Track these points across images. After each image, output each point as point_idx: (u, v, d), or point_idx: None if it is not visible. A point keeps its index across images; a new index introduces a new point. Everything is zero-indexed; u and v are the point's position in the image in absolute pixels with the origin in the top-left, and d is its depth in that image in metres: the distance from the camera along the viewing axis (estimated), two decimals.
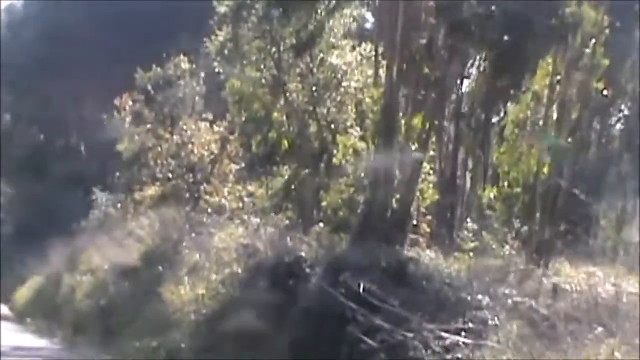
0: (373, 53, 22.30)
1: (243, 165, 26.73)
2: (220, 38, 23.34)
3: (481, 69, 25.31)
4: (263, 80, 22.55)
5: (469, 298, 11.91)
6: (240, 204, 24.38)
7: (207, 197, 25.50)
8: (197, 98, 29.20)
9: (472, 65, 25.22)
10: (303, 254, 14.82)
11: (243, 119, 23.49)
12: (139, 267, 20.14)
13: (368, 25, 27.80)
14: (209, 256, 16.99)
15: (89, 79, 44.70)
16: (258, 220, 18.37)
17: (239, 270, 15.72)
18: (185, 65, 29.74)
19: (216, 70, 23.77)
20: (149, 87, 28.55)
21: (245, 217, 19.50)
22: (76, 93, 49.65)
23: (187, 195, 26.07)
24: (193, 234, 19.04)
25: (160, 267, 18.85)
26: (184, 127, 26.71)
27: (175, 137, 27.04)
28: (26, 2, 61.53)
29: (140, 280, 19.43)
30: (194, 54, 31.53)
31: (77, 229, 28.83)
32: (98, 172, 40.09)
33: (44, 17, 52.47)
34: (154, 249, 20.28)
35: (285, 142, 22.14)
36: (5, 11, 68.30)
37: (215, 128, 26.82)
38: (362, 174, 20.69)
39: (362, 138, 21.88)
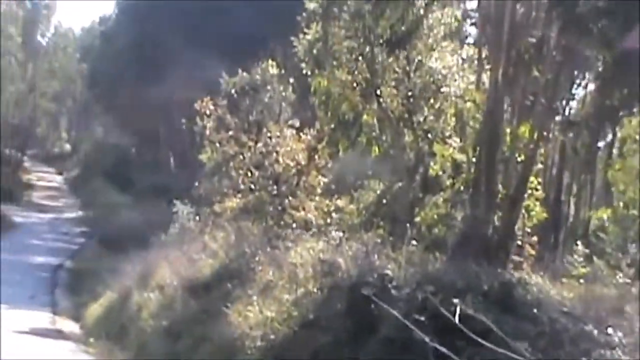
0: (475, 56, 20.27)
1: (331, 177, 24.88)
2: (309, 37, 21.53)
3: (598, 71, 22.80)
4: (354, 84, 20.58)
5: (594, 332, 9.44)
6: (328, 220, 22.40)
7: (293, 211, 23.59)
8: (284, 104, 27.32)
9: (587, 68, 22.79)
10: (389, 272, 12.54)
11: (332, 125, 21.63)
12: (210, 285, 18.16)
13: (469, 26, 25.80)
14: (283, 273, 14.89)
15: (179, 88, 43.56)
16: (341, 234, 16.18)
17: (315, 290, 13.56)
18: (273, 70, 27.91)
19: (304, 72, 21.87)
20: (233, 93, 26.77)
21: (331, 230, 17.42)
22: (165, 103, 48.58)
23: (270, 208, 24.07)
24: (268, 249, 16.95)
25: (229, 285, 16.81)
26: (269, 135, 24.72)
27: (259, 145, 25.09)
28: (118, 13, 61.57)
29: (209, 299, 17.45)
30: (283, 59, 29.95)
31: (156, 242, 27.12)
32: (187, 184, 38.72)
33: (134, 28, 51.70)
34: (227, 265, 18.30)
35: (376, 149, 20.01)
36: (99, 23, 68.73)
37: (303, 136, 24.79)
38: (461, 188, 18.85)
39: (462, 149, 19.85)
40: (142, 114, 56.07)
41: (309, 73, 21.58)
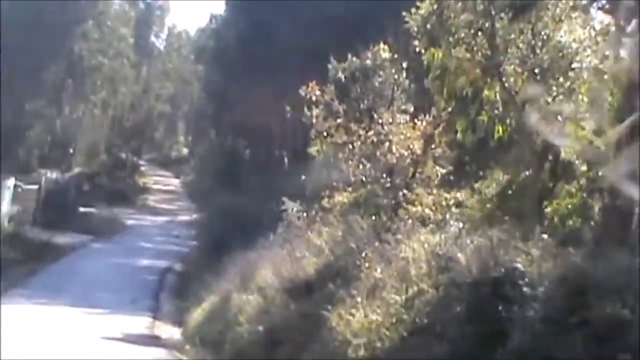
0: (612, 26, 17.67)
1: (450, 168, 22.54)
2: (422, 12, 19.26)
3: None
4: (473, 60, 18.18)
5: None
6: (448, 215, 20.11)
7: (408, 206, 21.33)
8: (396, 90, 25.10)
9: None
10: (520, 266, 10.22)
11: (449, 107, 19.39)
12: (312, 285, 16.14)
13: None
14: (392, 270, 12.72)
15: (291, 82, 41.99)
16: (460, 225, 13.91)
17: (429, 289, 11.34)
18: (385, 54, 25.74)
19: (417, 50, 19.64)
20: (342, 78, 24.70)
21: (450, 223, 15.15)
22: (278, 99, 46.99)
23: (383, 202, 21.87)
24: (377, 243, 14.78)
25: (333, 286, 14.73)
26: (381, 121, 22.55)
27: (370, 134, 22.91)
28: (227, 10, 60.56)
29: (310, 301, 15.43)
30: (395, 42, 27.83)
31: (263, 243, 25.27)
32: (300, 182, 36.97)
33: (242, 23, 50.38)
34: (331, 263, 16.24)
35: (499, 129, 17.56)
36: (210, 21, 67.96)
37: (418, 124, 22.50)
38: (598, 174, 16.33)
39: (597, 131, 17.27)
40: (254, 113, 54.90)
41: (423, 51, 19.33)
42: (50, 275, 31.21)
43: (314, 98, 23.32)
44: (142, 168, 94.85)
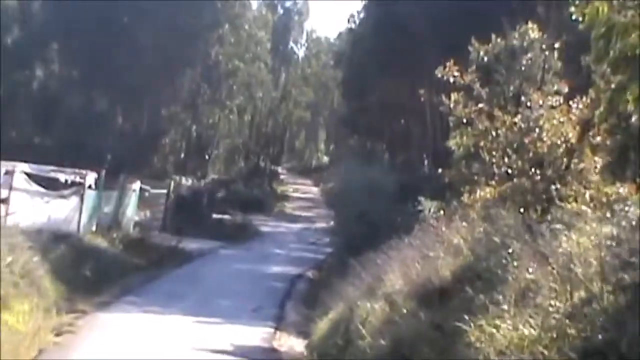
0: None
1: (611, 158, 19.22)
2: None
3: None
4: None
5: None
6: (608, 214, 16.89)
7: (561, 202, 18.15)
8: (547, 73, 22.00)
9: None
10: None
11: (612, 85, 16.18)
12: (447, 291, 13.27)
13: None
14: (549, 269, 9.73)
15: (429, 81, 39.26)
16: (638, 211, 10.77)
17: (605, 293, 8.34)
18: (534, 33, 22.68)
19: (573, 17, 16.54)
20: (484, 60, 21.77)
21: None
22: (416, 100, 44.36)
23: (532, 198, 18.73)
24: (527, 237, 11.77)
25: (471, 291, 11.81)
26: (529, 105, 19.49)
27: (517, 120, 19.83)
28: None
29: (445, 309, 12.56)
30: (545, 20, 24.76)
31: (394, 245, 22.44)
32: (440, 181, 34.16)
33: (380, 24, 47.80)
34: (471, 265, 13.32)
35: None
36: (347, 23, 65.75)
37: (573, 107, 19.32)
38: None
39: None
40: (393, 114, 52.67)
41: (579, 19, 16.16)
42: (169, 281, 29.30)
43: (451, 80, 20.41)
44: (282, 176, 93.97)
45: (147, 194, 41.88)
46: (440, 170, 23.22)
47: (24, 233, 24.16)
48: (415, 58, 40.78)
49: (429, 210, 25.34)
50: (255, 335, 21.61)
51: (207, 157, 69.09)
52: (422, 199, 27.37)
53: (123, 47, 62.01)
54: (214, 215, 52.15)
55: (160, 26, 62.73)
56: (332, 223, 56.96)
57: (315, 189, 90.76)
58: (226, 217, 53.65)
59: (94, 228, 32.87)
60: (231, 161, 76.81)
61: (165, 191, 45.43)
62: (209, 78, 66.93)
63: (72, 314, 20.42)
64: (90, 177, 32.59)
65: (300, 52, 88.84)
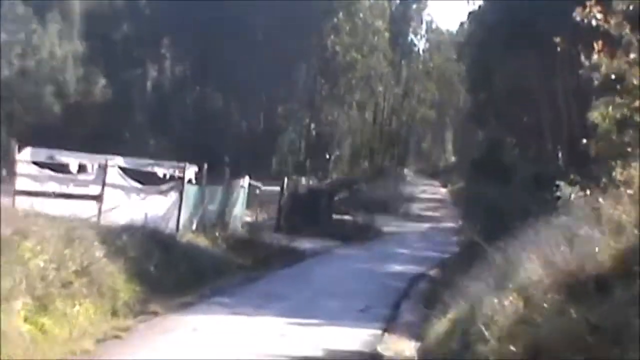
0: None
1: None
2: None
3: None
4: None
5: None
6: None
7: None
8: None
9: None
10: None
11: None
12: (606, 280, 9.72)
13: None
14: None
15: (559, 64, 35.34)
16: None
17: None
18: None
19: None
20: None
21: None
22: (550, 88, 40.54)
23: None
24: None
25: None
26: None
27: None
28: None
29: (604, 305, 9.05)
30: None
31: (530, 235, 18.80)
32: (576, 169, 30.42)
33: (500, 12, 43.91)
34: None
35: None
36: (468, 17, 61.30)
37: None
38: None
39: None
40: (521, 103, 48.70)
41: None
42: (272, 282, 26.21)
43: (593, 23, 16.54)
44: (408, 178, 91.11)
45: (258, 191, 39.09)
46: (584, 140, 19.48)
47: (110, 231, 21.65)
48: (544, 41, 36.63)
49: (570, 196, 21.54)
50: (357, 338, 18.36)
51: (327, 156, 66.06)
52: (561, 183, 23.68)
53: (235, 41, 59.84)
54: (334, 216, 49.23)
55: (272, 18, 60.28)
56: (460, 223, 54.35)
57: (443, 190, 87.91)
58: (348, 217, 50.70)
59: (194, 226, 30.11)
60: (355, 161, 73.72)
61: (277, 188, 42.42)
62: (325, 72, 64.04)
63: (141, 316, 17.52)
64: (191, 171, 29.90)
65: (421, 44, 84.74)
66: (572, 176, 21.78)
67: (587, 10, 16.57)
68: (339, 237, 41.72)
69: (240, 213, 35.59)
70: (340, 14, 63.58)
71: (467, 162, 79.21)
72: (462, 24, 78.66)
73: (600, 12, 16.66)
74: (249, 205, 37.86)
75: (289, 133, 63.37)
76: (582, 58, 18.07)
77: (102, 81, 70.14)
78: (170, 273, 21.40)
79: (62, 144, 31.13)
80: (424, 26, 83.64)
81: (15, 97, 64.59)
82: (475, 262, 28.87)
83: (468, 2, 53.40)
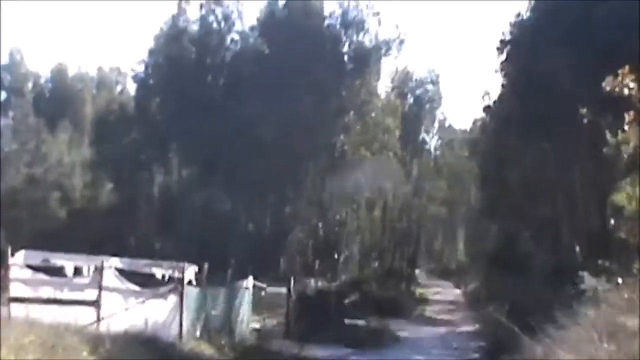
0: None
1: None
2: None
3: None
4: None
5: None
6: None
7: None
8: None
9: None
10: None
11: None
12: None
13: None
14: None
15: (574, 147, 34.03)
16: None
17: None
18: None
19: None
20: None
21: None
22: (562, 170, 39.02)
23: None
24: None
25: None
26: None
27: None
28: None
29: None
30: None
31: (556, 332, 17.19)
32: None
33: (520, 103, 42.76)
34: None
35: None
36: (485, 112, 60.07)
37: None
38: None
39: None
40: (537, 196, 47.16)
41: None
42: None
43: (625, 92, 15.08)
44: (419, 279, 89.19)
45: (263, 293, 37.28)
46: (612, 222, 17.94)
47: (102, 339, 19.99)
48: (561, 117, 35.39)
49: (596, 287, 19.92)
50: None
51: (336, 256, 64.32)
52: (584, 274, 22.05)
53: (243, 142, 59.09)
54: (346, 320, 47.18)
55: (282, 119, 59.63)
56: (477, 326, 52.12)
57: (457, 291, 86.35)
58: (360, 322, 48.62)
59: (198, 332, 28.30)
60: (364, 261, 71.98)
61: (284, 290, 40.47)
62: (333, 170, 62.91)
63: None
64: (190, 271, 28.23)
65: (432, 142, 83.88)
66: (599, 262, 20.28)
67: (619, 78, 15.31)
68: (353, 344, 39.57)
69: (246, 318, 33.72)
70: (352, 113, 62.87)
71: (480, 261, 77.59)
72: (475, 121, 77.92)
73: (634, 80, 15.36)
74: (254, 308, 35.99)
75: (297, 233, 61.78)
76: (608, 135, 16.78)
77: (109, 185, 69.56)
78: None
79: (65, 249, 29.52)
80: (436, 124, 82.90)
81: (21, 204, 63.93)
82: None
83: (483, 98, 52.15)
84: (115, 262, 27.93)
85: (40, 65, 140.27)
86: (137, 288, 27.52)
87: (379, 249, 75.36)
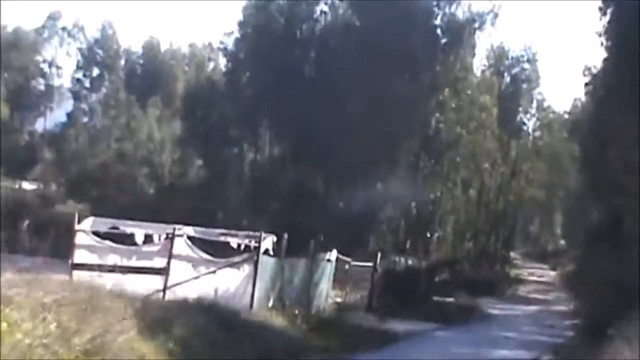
0: None
1: None
2: None
3: None
4: None
5: None
6: None
7: None
8: None
9: None
10: None
11: None
12: None
13: None
14: None
15: None
16: None
17: None
18: None
19: None
20: None
21: None
22: None
23: None
24: None
25: None
26: None
27: None
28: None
29: None
30: None
31: None
32: None
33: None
34: None
35: None
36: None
37: None
38: None
39: None
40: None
41: None
42: None
43: None
44: (515, 261, 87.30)
45: (347, 266, 35.72)
46: None
47: (158, 306, 18.74)
48: None
49: None
50: None
51: (429, 235, 62.35)
52: None
53: (335, 119, 57.46)
54: (435, 298, 45.55)
55: (374, 94, 57.86)
56: (572, 306, 50.65)
57: (552, 273, 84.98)
58: (449, 299, 46.95)
59: (270, 303, 26.82)
60: (458, 242, 69.92)
61: (370, 264, 38.84)
62: (429, 149, 60.85)
63: None
64: (268, 242, 26.76)
65: (530, 123, 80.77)
66: None
67: None
68: (440, 319, 37.90)
69: (326, 290, 32.15)
70: (446, 90, 60.68)
71: (579, 243, 74.83)
72: (575, 100, 74.81)
73: None
74: (337, 282, 34.45)
75: (389, 211, 59.98)
76: None
77: (198, 162, 68.98)
78: (227, 354, 18.08)
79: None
80: (534, 105, 79.81)
81: (111, 179, 63.79)
82: (597, 348, 25.14)
83: (584, 73, 49.02)
84: (189, 230, 26.72)
85: (131, 41, 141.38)
86: (209, 257, 26.19)
87: (473, 229, 73.18)
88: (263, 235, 26.51)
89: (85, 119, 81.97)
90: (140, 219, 29.17)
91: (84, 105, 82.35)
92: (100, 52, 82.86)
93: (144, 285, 23.55)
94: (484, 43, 76.77)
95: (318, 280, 30.90)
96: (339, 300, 34.79)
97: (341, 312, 32.19)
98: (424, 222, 62.46)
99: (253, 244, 26.41)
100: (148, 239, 26.54)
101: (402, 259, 52.69)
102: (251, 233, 26.87)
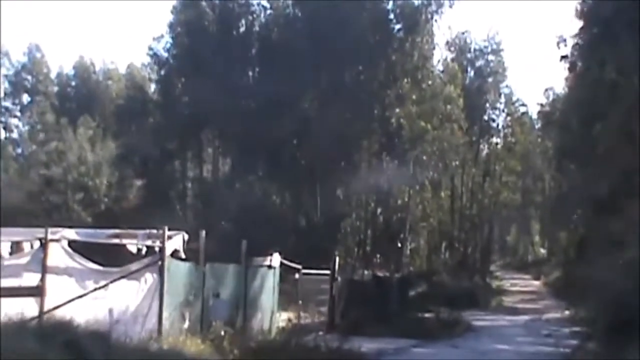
0: None
1: None
2: None
3: None
4: None
5: None
6: None
7: None
8: None
9: None
10: None
11: None
12: None
13: None
14: None
15: None
16: None
17: None
18: None
19: None
20: None
21: None
22: None
23: None
24: None
25: None
26: None
27: None
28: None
29: None
30: None
31: None
32: None
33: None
34: None
35: None
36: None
37: None
38: None
39: None
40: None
41: None
42: None
43: None
44: (495, 273, 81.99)
45: (297, 275, 28.96)
46: None
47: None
48: None
49: None
50: None
51: (399, 245, 55.69)
52: None
53: (285, 122, 51.21)
54: (412, 311, 39.31)
55: (325, 91, 51.65)
56: (567, 312, 45.80)
57: (535, 282, 79.33)
58: (426, 314, 40.67)
59: (186, 324, 19.78)
60: (433, 252, 63.57)
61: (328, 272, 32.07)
62: (391, 147, 54.40)
63: None
64: (176, 241, 19.85)
65: (500, 119, 74.56)
66: None
67: None
68: (417, 334, 31.62)
69: (270, 305, 25.29)
70: (405, 81, 54.34)
71: (564, 249, 69.03)
72: (547, 90, 68.62)
73: None
74: (286, 295, 27.71)
75: (352, 221, 53.42)
76: None
77: (138, 183, 62.43)
78: None
79: None
80: (502, 99, 73.61)
81: (40, 210, 57.03)
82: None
83: (558, 46, 42.52)
84: (69, 233, 19.69)
85: (63, 62, 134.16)
86: (98, 267, 19.22)
87: (448, 239, 66.85)
88: (168, 232, 19.55)
89: (19, 149, 75.47)
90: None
91: (15, 135, 75.86)
92: (29, 77, 76.36)
93: (21, 308, 16.84)
94: (444, 34, 71.10)
95: (256, 292, 23.94)
96: (289, 317, 27.91)
97: (293, 332, 25.34)
98: (394, 232, 55.91)
99: (157, 244, 19.47)
100: (17, 248, 19.59)
101: (370, 272, 46.37)
102: (153, 232, 19.78)
